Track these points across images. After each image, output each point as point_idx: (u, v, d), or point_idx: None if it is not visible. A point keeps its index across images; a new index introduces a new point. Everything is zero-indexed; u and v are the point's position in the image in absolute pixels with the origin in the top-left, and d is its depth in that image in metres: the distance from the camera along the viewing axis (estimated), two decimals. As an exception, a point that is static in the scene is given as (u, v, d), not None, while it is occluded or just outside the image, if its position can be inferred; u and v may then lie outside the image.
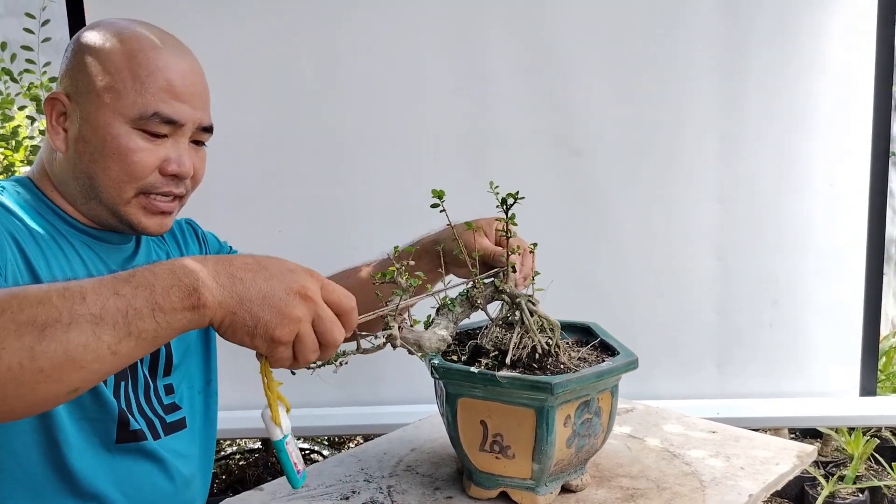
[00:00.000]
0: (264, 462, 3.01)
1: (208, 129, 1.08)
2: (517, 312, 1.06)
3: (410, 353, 0.96)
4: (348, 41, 2.05)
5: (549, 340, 1.04)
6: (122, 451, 1.03)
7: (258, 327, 0.76)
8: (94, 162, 1.00)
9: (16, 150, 2.21)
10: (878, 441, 2.89)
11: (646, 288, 2.11)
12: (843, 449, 2.98)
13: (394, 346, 0.92)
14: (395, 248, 1.02)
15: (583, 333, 1.20)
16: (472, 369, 0.98)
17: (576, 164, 2.09)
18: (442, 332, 0.99)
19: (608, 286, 2.11)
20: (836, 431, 2.99)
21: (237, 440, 3.33)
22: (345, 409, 2.11)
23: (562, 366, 1.01)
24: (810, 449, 1.20)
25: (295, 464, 0.89)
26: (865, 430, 2.89)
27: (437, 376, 1.00)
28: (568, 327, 1.19)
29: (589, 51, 2.05)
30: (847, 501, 2.74)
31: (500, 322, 1.08)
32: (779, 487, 1.11)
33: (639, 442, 1.25)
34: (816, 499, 2.73)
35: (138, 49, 1.01)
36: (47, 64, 2.72)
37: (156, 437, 1.09)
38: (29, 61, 2.59)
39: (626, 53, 2.06)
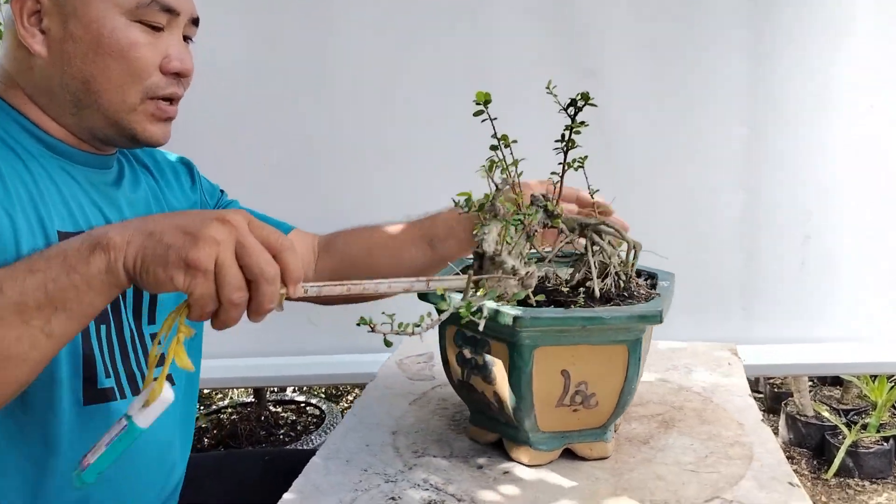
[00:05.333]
0: (257, 416, 2.88)
1: (196, 23, 1.00)
2: (580, 242, 0.95)
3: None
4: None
5: (623, 270, 0.94)
6: (91, 413, 0.91)
7: (170, 253, 0.69)
8: (89, 63, 0.90)
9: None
10: (903, 387, 2.75)
11: (665, 222, 1.92)
12: (866, 396, 2.84)
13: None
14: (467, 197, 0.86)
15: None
16: (573, 311, 0.84)
17: (589, 89, 1.88)
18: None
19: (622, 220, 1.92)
20: (857, 378, 2.84)
21: (229, 393, 3.22)
22: (341, 357, 1.97)
23: (634, 293, 0.92)
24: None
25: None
26: (889, 376, 2.75)
27: (519, 328, 0.82)
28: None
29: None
30: (871, 450, 2.61)
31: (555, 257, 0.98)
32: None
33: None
34: (838, 448, 2.60)
35: None
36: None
37: (135, 393, 0.96)
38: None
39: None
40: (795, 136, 1.90)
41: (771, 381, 3.15)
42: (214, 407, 3.05)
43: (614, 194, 1.12)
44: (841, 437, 2.65)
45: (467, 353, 0.91)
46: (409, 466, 0.92)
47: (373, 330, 0.75)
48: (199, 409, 2.98)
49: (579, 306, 0.87)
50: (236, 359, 1.96)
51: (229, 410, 3.03)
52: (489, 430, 0.96)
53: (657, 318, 0.82)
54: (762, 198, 1.93)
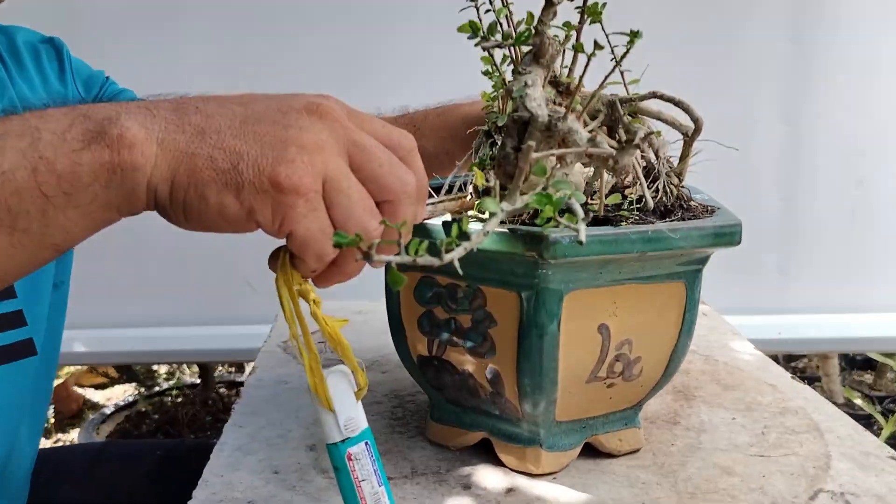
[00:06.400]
0: (202, 400, 2.56)
1: None
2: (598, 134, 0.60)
3: None
4: None
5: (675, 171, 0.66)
6: None
7: (243, 167, 0.40)
8: None
9: None
10: (948, 371, 2.44)
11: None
12: (902, 380, 2.52)
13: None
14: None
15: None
16: (627, 229, 0.57)
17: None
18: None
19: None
20: (893, 359, 2.52)
21: (176, 372, 2.89)
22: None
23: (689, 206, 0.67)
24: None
25: (363, 499, 0.48)
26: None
27: (552, 260, 0.54)
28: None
29: None
30: (913, 443, 2.27)
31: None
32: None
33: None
34: (874, 440, 2.27)
35: None
36: None
37: None
38: None
39: None
40: (849, 54, 1.61)
41: (793, 362, 2.82)
42: (157, 388, 2.74)
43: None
44: (876, 427, 2.33)
45: (440, 312, 0.62)
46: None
47: (367, 257, 0.37)
48: (139, 392, 2.66)
49: (633, 222, 0.60)
50: (148, 328, 1.65)
51: (174, 392, 2.70)
52: (468, 429, 0.68)
53: (736, 234, 0.61)
54: (805, 131, 1.65)
